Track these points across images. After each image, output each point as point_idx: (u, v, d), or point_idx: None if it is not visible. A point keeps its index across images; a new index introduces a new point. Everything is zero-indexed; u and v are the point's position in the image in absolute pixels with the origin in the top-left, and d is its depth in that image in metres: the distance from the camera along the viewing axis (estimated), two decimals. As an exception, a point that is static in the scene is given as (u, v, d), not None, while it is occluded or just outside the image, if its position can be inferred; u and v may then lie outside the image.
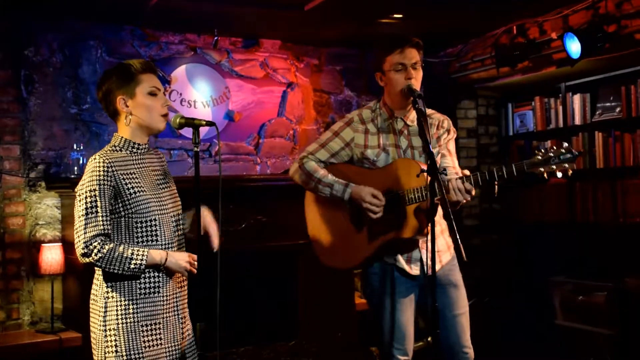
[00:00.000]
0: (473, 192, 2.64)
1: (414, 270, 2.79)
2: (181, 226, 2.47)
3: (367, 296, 2.95)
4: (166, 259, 2.33)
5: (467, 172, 2.67)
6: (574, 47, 4.10)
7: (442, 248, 2.84)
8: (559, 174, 2.51)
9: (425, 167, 2.53)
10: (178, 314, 2.42)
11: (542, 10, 4.45)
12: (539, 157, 2.53)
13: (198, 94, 4.73)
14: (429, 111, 2.89)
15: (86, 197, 2.27)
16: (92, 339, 2.36)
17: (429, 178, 2.45)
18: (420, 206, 2.68)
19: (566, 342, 4.72)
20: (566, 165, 2.49)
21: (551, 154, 2.51)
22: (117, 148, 2.39)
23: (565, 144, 2.52)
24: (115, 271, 2.26)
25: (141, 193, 2.34)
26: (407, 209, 2.70)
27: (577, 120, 4.96)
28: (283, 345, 4.57)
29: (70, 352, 3.87)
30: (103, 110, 2.50)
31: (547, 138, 5.23)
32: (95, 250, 2.23)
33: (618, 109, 4.70)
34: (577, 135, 4.97)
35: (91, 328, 2.36)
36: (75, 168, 4.12)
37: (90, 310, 2.38)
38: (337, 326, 4.66)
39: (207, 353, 2.38)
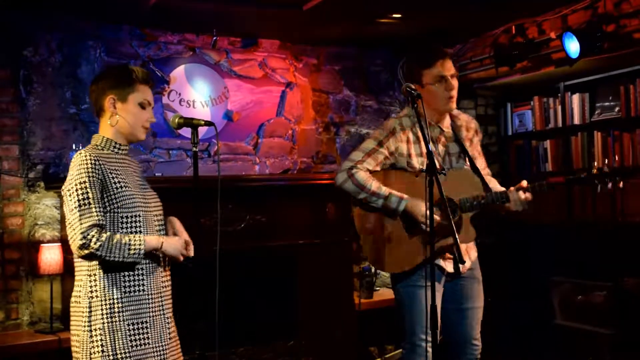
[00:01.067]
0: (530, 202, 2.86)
1: (449, 267, 2.92)
2: (162, 231, 2.48)
3: (402, 289, 2.99)
4: (162, 243, 2.34)
5: (524, 183, 2.84)
6: (572, 46, 4.10)
7: (471, 245, 3.02)
8: (599, 189, 2.77)
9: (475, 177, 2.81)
10: (164, 313, 2.41)
11: (541, 10, 4.45)
12: (584, 176, 2.77)
13: (197, 94, 4.73)
14: (455, 112, 3.03)
15: (77, 190, 2.25)
16: (74, 342, 2.33)
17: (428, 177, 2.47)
18: (476, 215, 2.87)
19: (565, 341, 4.72)
20: (602, 184, 2.73)
21: (594, 172, 2.75)
22: (99, 147, 2.40)
23: (606, 163, 2.79)
24: (115, 259, 2.24)
25: (126, 188, 2.34)
26: (463, 216, 2.87)
27: (576, 120, 4.97)
28: (282, 345, 4.57)
29: (69, 353, 3.85)
30: (89, 103, 2.52)
31: (546, 138, 5.23)
32: (94, 240, 2.21)
33: (617, 109, 4.70)
34: (576, 135, 4.97)
35: (73, 331, 2.34)
36: (74, 168, 4.12)
37: (72, 312, 2.36)
38: (336, 326, 4.66)
39: (207, 353, 2.38)
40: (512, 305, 5.20)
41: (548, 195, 5.32)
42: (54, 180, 4.17)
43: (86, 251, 2.22)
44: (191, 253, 2.41)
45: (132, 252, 2.26)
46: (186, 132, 4.45)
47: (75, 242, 2.23)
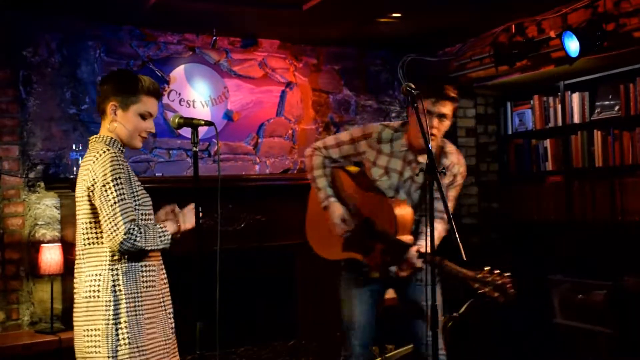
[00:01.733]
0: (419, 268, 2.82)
1: (373, 274, 3.03)
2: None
3: (340, 292, 3.21)
4: (179, 225, 2.43)
5: (422, 249, 2.76)
6: (572, 45, 4.10)
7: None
8: (487, 297, 2.57)
9: (409, 211, 2.85)
10: (166, 309, 2.47)
11: (540, 9, 4.45)
12: (479, 276, 2.56)
13: (197, 94, 4.73)
14: (449, 148, 3.03)
15: (115, 185, 2.29)
16: (92, 336, 2.32)
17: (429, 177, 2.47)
18: (385, 248, 2.88)
19: (565, 340, 4.72)
20: (496, 295, 2.54)
21: (489, 279, 2.54)
22: (111, 146, 2.41)
23: (506, 275, 2.55)
24: (152, 247, 2.33)
25: (143, 188, 2.43)
26: (377, 246, 2.92)
27: (576, 119, 4.97)
28: (282, 344, 4.57)
29: (69, 353, 3.82)
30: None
31: (546, 137, 5.23)
32: (136, 233, 2.27)
33: (617, 108, 4.70)
34: (575, 133, 4.97)
35: (89, 325, 2.33)
36: (74, 168, 4.12)
37: (85, 308, 2.35)
38: (336, 325, 4.65)
39: (207, 353, 2.38)
40: (511, 303, 5.20)
41: (548, 194, 5.34)
42: (54, 180, 4.18)
43: (128, 244, 2.26)
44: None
45: (164, 238, 2.35)
46: (186, 132, 4.46)
47: (117, 235, 2.26)
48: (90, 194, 2.33)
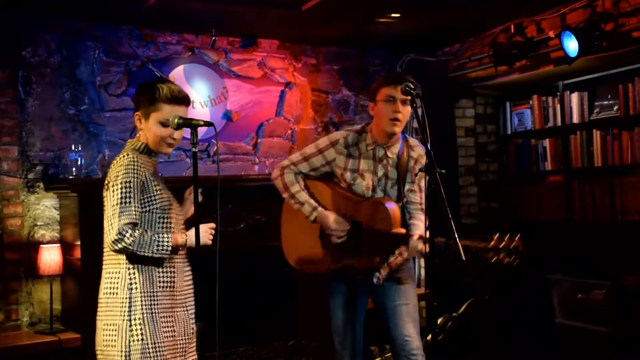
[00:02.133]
0: (424, 255, 2.78)
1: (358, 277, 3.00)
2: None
3: (324, 297, 3.17)
4: (187, 240, 2.45)
5: (425, 234, 2.76)
6: (571, 45, 4.11)
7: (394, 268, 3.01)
8: (503, 261, 2.60)
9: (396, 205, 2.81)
10: (187, 310, 2.52)
11: (539, 9, 4.45)
12: (490, 245, 2.59)
13: (196, 94, 4.73)
14: (413, 142, 3.08)
15: (121, 188, 2.37)
16: (108, 331, 2.41)
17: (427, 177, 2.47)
18: (375, 248, 2.88)
19: (565, 340, 4.73)
20: (511, 258, 2.58)
21: (501, 246, 2.59)
22: (139, 151, 2.51)
23: (517, 238, 2.59)
24: (145, 253, 2.36)
25: (163, 192, 2.49)
26: (363, 247, 2.90)
27: (575, 119, 4.97)
28: (282, 344, 4.57)
29: (69, 353, 3.87)
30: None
31: (545, 136, 5.24)
32: (128, 235, 2.33)
33: (616, 107, 4.70)
34: (575, 133, 4.98)
35: (106, 320, 2.42)
36: (74, 169, 4.12)
37: (105, 303, 2.44)
38: (336, 325, 4.65)
39: (206, 353, 2.38)
40: (511, 303, 5.21)
41: (547, 193, 5.34)
42: (54, 181, 4.17)
43: (119, 245, 2.33)
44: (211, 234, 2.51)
45: (160, 247, 2.38)
46: (185, 132, 4.44)
47: (110, 235, 2.35)
48: (104, 194, 2.45)
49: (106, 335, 2.41)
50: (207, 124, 2.43)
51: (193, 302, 2.58)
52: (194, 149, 2.37)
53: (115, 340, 2.39)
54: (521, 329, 5.01)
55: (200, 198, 2.49)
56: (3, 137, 4.11)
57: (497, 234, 2.59)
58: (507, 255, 2.56)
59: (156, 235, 2.39)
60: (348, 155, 3.01)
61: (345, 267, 2.98)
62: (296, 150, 5.14)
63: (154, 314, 2.40)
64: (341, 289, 3.08)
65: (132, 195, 2.37)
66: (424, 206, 3.01)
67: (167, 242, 2.39)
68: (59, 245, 4.06)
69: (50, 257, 3.94)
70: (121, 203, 2.36)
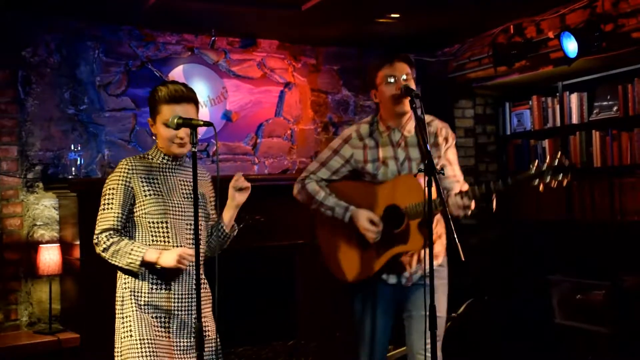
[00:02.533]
0: (472, 207, 2.69)
1: (391, 280, 2.88)
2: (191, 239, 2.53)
3: (351, 301, 3.00)
4: (158, 258, 2.41)
5: (465, 188, 2.72)
6: (571, 46, 4.11)
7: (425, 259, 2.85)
8: (554, 185, 2.53)
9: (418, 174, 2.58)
10: (191, 313, 2.49)
11: (539, 10, 4.46)
12: (532, 171, 2.55)
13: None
14: (428, 117, 2.92)
15: (106, 195, 2.48)
16: (116, 328, 2.51)
17: (426, 177, 2.46)
18: (422, 221, 2.72)
19: (564, 340, 4.72)
20: (560, 177, 2.51)
21: (545, 168, 2.53)
22: (150, 156, 2.57)
23: (560, 155, 2.53)
24: (117, 264, 2.45)
25: (154, 196, 2.47)
26: (410, 224, 2.77)
27: (575, 119, 4.97)
28: (282, 345, 4.57)
29: (68, 353, 3.87)
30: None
31: (545, 137, 5.24)
32: (102, 242, 2.44)
33: (615, 108, 4.70)
34: (574, 134, 4.98)
35: (116, 315, 2.53)
36: (73, 169, 4.12)
37: (115, 301, 2.56)
38: (335, 326, 4.66)
39: (206, 353, 2.38)
40: (511, 304, 5.21)
41: (547, 194, 5.32)
42: (53, 180, 4.17)
43: (96, 250, 2.46)
44: (184, 265, 2.44)
45: (129, 260, 2.41)
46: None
47: (93, 239, 2.47)
48: None
49: (115, 332, 2.52)
50: (207, 124, 2.43)
51: (207, 306, 2.54)
52: (193, 149, 2.36)
53: (116, 337, 2.50)
54: (520, 329, 5.01)
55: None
56: (3, 137, 4.11)
57: (536, 161, 2.54)
58: (553, 176, 2.50)
59: (130, 247, 2.42)
60: (364, 147, 2.90)
61: (393, 258, 2.81)
62: (295, 151, 5.15)
63: (142, 312, 2.44)
64: (377, 296, 2.89)
65: (114, 200, 2.45)
66: (458, 178, 2.91)
67: (137, 256, 2.40)
68: (58, 245, 4.05)
69: (49, 257, 3.94)
70: (103, 209, 2.47)
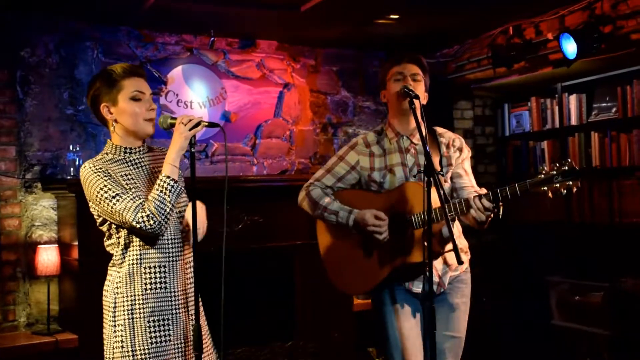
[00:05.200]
0: (492, 209, 2.61)
1: (416, 288, 2.77)
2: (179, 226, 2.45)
3: (375, 311, 2.90)
4: (170, 167, 2.29)
5: (484, 191, 2.65)
6: (570, 47, 4.11)
7: (452, 262, 2.80)
8: (564, 192, 2.50)
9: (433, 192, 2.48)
10: (188, 310, 2.41)
11: (538, 11, 4.45)
12: (542, 176, 2.52)
13: (194, 95, 4.73)
14: (440, 130, 2.92)
15: (104, 194, 2.25)
16: (104, 335, 2.38)
17: (425, 178, 2.45)
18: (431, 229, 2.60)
19: (563, 342, 4.72)
20: (570, 183, 2.48)
21: (554, 172, 2.50)
22: (109, 155, 2.39)
23: (569, 161, 2.49)
24: (169, 207, 2.25)
25: (135, 189, 2.32)
26: (415, 232, 2.68)
27: (574, 121, 4.97)
28: (280, 345, 4.57)
29: (66, 354, 3.86)
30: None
31: (544, 138, 5.24)
32: (145, 217, 2.22)
33: (614, 109, 4.70)
34: (573, 135, 4.98)
35: (103, 324, 2.38)
36: (72, 169, 4.11)
37: (103, 306, 2.39)
38: (334, 326, 4.66)
39: (203, 354, 2.38)
40: (509, 305, 5.21)
41: (545, 195, 5.32)
42: (51, 181, 4.17)
43: (150, 229, 2.23)
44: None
45: (171, 190, 2.25)
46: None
47: (136, 228, 2.24)
48: (93, 208, 2.35)
49: (104, 339, 2.38)
50: (213, 124, 2.41)
51: (194, 302, 2.44)
52: (192, 150, 2.34)
53: (106, 346, 2.35)
54: (519, 331, 5.01)
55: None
56: (1, 137, 4.11)
57: (545, 164, 2.51)
58: (563, 180, 2.46)
59: (155, 188, 2.26)
60: (371, 155, 2.84)
61: (399, 267, 2.71)
62: (294, 152, 5.14)
63: (137, 319, 2.29)
64: (391, 304, 2.78)
65: (115, 190, 2.24)
66: (476, 188, 2.82)
67: (166, 180, 2.25)
68: (57, 245, 4.05)
69: (47, 258, 3.93)
70: (115, 203, 2.24)
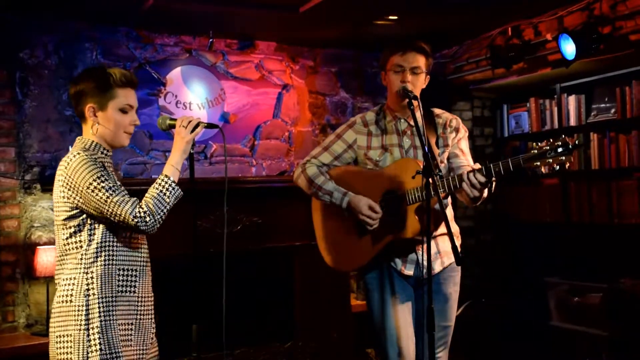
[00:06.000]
0: (486, 184, 2.57)
1: (407, 271, 2.80)
2: None
3: (365, 296, 2.95)
4: (172, 167, 2.34)
5: (477, 166, 2.63)
6: (568, 48, 4.11)
7: (446, 249, 2.83)
8: (557, 167, 2.47)
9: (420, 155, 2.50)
10: (152, 317, 2.39)
11: (537, 12, 4.46)
12: (535, 151, 2.50)
13: (193, 96, 4.73)
14: (437, 111, 2.93)
15: (101, 182, 2.21)
16: (63, 343, 2.25)
17: (424, 179, 2.45)
18: (422, 206, 2.66)
19: (561, 343, 4.72)
20: (563, 158, 2.46)
21: (547, 147, 2.49)
22: (89, 150, 2.34)
23: (563, 137, 2.49)
24: (168, 208, 2.26)
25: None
26: (408, 209, 2.71)
27: (572, 122, 4.98)
28: (279, 346, 4.57)
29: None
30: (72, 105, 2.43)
31: (543, 139, 5.19)
32: (141, 211, 2.20)
33: (613, 110, 4.71)
34: (572, 136, 4.98)
35: (61, 331, 2.27)
36: (71, 170, 4.11)
37: (58, 313, 2.28)
38: (333, 327, 4.66)
39: (203, 355, 2.37)
40: (508, 306, 5.21)
41: (544, 196, 5.34)
42: (51, 182, 4.10)
43: (144, 226, 2.21)
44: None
45: (172, 191, 2.27)
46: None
47: (130, 224, 2.20)
48: (73, 199, 2.26)
49: (60, 347, 2.25)
50: (212, 125, 2.41)
51: (153, 309, 2.41)
52: (191, 151, 2.35)
53: (71, 353, 2.23)
54: (518, 332, 5.00)
55: None
56: (0, 139, 4.11)
57: (541, 143, 2.47)
58: (556, 155, 2.44)
59: (154, 187, 2.26)
60: (369, 134, 2.87)
61: (390, 244, 2.73)
62: (293, 153, 5.15)
63: (112, 322, 2.24)
64: (380, 286, 2.80)
65: (109, 180, 2.22)
66: (473, 166, 2.77)
67: (167, 181, 2.27)
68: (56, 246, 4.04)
69: (46, 259, 3.93)
70: (112, 194, 2.19)
